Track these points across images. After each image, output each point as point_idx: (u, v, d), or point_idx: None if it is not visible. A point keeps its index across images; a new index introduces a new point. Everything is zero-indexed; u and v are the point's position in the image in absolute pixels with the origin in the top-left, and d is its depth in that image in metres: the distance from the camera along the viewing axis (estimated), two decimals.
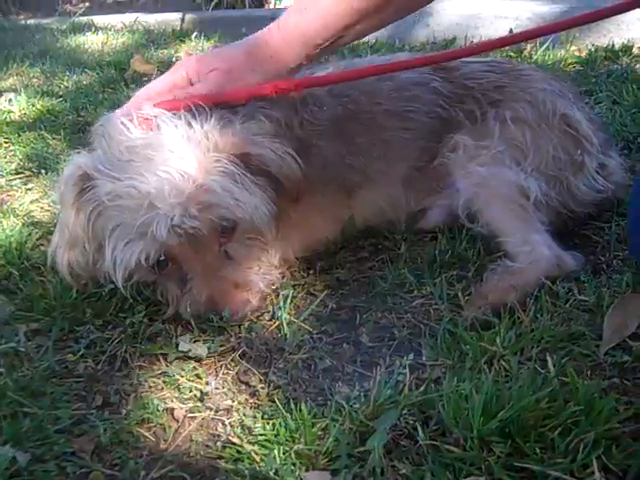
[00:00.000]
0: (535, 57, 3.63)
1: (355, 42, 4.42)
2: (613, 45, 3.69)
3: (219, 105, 1.83)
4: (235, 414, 1.47)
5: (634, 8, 1.67)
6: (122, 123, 1.73)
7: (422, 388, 1.44)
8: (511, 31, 4.09)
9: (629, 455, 1.23)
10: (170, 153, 1.66)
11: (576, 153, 1.97)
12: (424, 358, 1.59)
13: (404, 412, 1.37)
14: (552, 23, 1.88)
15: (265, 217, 1.75)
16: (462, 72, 2.08)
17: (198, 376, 1.60)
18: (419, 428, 1.32)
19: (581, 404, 1.30)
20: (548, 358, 1.49)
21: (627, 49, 3.64)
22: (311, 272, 1.98)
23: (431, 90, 2.05)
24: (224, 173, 1.69)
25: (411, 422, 1.36)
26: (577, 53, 3.75)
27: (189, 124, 1.72)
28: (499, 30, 4.20)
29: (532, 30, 1.94)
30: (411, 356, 1.57)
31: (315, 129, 1.96)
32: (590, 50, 3.73)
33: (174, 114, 1.75)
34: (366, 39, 4.52)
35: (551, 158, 1.94)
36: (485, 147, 1.94)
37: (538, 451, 1.24)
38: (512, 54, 3.72)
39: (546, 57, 3.63)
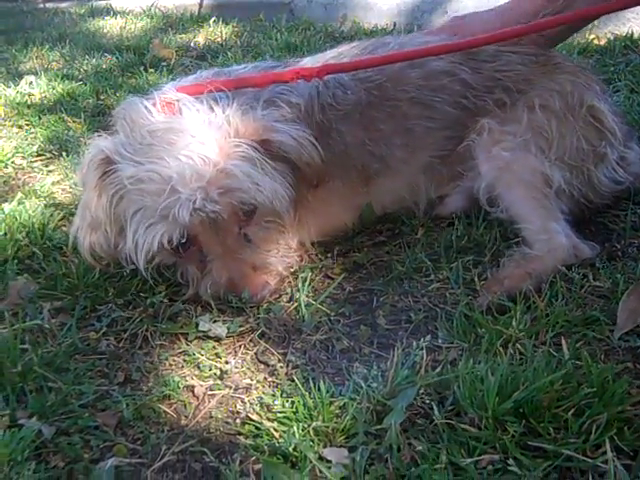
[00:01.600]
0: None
1: (373, 29, 4.45)
2: (632, 34, 3.68)
3: (241, 89, 1.86)
4: (254, 392, 1.51)
5: None
6: (144, 107, 1.75)
7: (438, 369, 1.48)
8: None
9: None
10: (191, 137, 1.68)
11: (600, 145, 1.96)
12: (440, 340, 1.62)
13: (420, 392, 1.41)
14: (583, 9, 1.88)
15: (284, 201, 1.77)
16: (494, 64, 2.05)
17: (218, 355, 1.64)
18: (435, 407, 1.35)
19: (594, 387, 1.33)
20: (563, 342, 1.52)
21: None
22: (329, 255, 2.00)
23: (460, 81, 2.03)
24: (244, 158, 1.71)
25: (427, 402, 1.39)
26: (596, 42, 3.73)
27: (211, 108, 1.75)
28: None
29: (566, 16, 1.94)
30: (427, 338, 1.60)
31: (337, 113, 1.97)
32: (609, 39, 3.72)
33: (196, 98, 1.78)
34: (383, 25, 4.54)
35: (574, 148, 1.94)
36: (511, 133, 1.94)
37: (552, 431, 1.27)
38: None
39: (565, 45, 3.61)
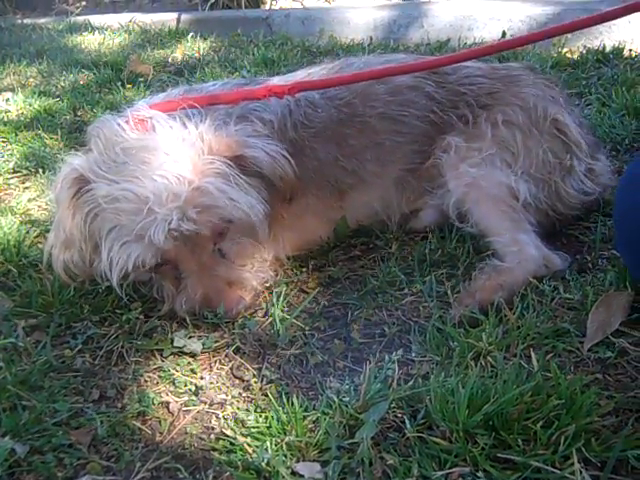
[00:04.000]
0: (528, 59, 3.66)
1: (350, 43, 4.49)
2: (604, 48, 3.73)
3: (213, 106, 1.87)
4: (229, 407, 1.51)
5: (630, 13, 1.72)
6: (118, 124, 1.76)
7: (410, 383, 1.49)
8: (504, 34, 4.14)
9: (608, 448, 1.28)
10: (165, 156, 1.69)
11: (565, 157, 2.00)
12: (413, 354, 1.63)
13: (393, 406, 1.42)
14: (563, 24, 1.88)
15: (260, 215, 1.79)
16: (456, 77, 2.09)
17: (193, 371, 1.64)
18: (407, 421, 1.37)
19: (563, 398, 1.35)
20: (532, 354, 1.54)
21: (618, 51, 3.68)
22: (304, 270, 2.02)
23: (425, 95, 2.07)
24: (218, 174, 1.73)
25: (399, 415, 1.40)
26: (569, 55, 3.78)
27: (184, 125, 1.76)
28: (492, 32, 4.25)
29: (535, 33, 1.95)
30: (400, 352, 1.61)
31: (309, 131, 2.00)
32: (582, 52, 3.77)
33: (169, 115, 1.79)
34: (360, 39, 4.57)
35: (540, 161, 1.97)
36: (476, 149, 1.97)
37: (521, 443, 1.29)
38: (504, 55, 3.75)
39: (539, 58, 3.66)
